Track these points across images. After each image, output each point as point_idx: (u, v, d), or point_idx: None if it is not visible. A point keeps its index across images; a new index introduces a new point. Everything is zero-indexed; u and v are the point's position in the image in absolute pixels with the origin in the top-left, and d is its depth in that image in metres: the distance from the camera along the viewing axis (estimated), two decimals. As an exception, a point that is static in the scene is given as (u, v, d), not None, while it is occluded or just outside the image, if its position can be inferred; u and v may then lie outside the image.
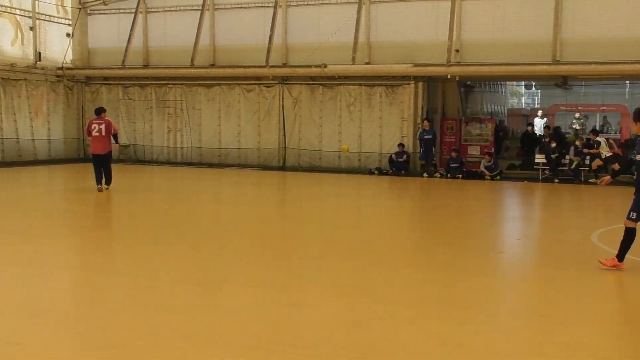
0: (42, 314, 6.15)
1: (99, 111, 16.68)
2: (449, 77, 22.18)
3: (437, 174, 21.87)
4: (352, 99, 23.67)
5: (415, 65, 22.28)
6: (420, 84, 22.89)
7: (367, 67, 23.10)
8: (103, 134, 15.99)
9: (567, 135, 24.73)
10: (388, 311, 6.36)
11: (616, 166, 15.43)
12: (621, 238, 8.10)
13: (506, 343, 5.62)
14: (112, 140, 16.35)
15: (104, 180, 15.95)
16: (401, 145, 22.65)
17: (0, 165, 22.72)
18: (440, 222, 13.06)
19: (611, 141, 21.59)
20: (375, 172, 22.56)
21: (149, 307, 6.35)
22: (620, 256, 8.09)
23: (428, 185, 20.08)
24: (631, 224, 8.02)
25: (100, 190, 15.78)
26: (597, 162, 20.44)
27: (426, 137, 21.91)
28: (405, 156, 22.46)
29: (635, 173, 8.36)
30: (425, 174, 21.76)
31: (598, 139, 20.99)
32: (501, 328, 6.07)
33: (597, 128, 24.30)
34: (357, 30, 23.16)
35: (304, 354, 5.13)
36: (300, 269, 8.26)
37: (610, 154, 20.50)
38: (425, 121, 22.24)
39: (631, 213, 8.00)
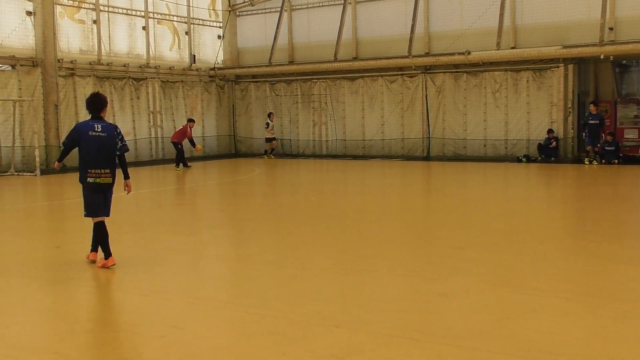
0: (202, 300, 6.57)
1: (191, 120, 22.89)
2: (602, 57, 20.96)
3: (588, 160, 20.52)
4: (498, 85, 23.03)
5: (565, 47, 21.26)
6: (570, 66, 21.86)
7: (513, 51, 22.34)
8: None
9: None
10: (541, 303, 6.17)
11: None
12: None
13: (671, 339, 5.28)
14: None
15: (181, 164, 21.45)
16: (551, 131, 21.74)
17: (161, 163, 24.38)
18: (594, 209, 12.41)
19: None
20: (523, 159, 21.82)
21: (300, 296, 6.59)
22: (105, 253, 7.87)
23: (581, 172, 19.11)
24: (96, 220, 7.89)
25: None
26: None
27: (591, 121, 20.42)
28: (554, 142, 21.51)
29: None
30: (594, 161, 20.25)
31: None
32: (666, 323, 5.70)
33: None
34: (501, 14, 22.47)
35: (455, 345, 5.09)
36: (447, 259, 8.20)
37: None
38: (592, 105, 20.87)
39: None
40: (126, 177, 8.17)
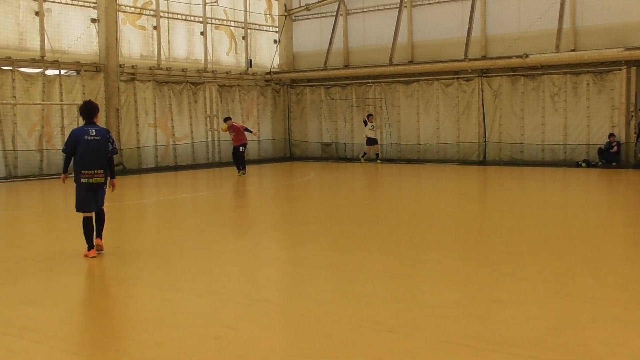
0: (258, 302, 6.66)
1: (227, 119, 21.67)
2: (667, 59, 20.34)
3: None
4: (557, 89, 22.58)
5: (628, 49, 20.70)
6: (633, 69, 21.27)
7: (572, 54, 21.89)
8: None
9: None
10: (600, 312, 6.03)
11: None
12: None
13: None
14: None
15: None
16: (612, 135, 21.18)
17: (218, 166, 24.76)
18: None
19: None
20: (583, 164, 21.32)
21: (354, 300, 6.60)
22: (88, 245, 8.75)
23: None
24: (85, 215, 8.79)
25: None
26: None
27: None
28: (616, 147, 20.95)
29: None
30: None
31: None
32: None
33: None
34: (560, 16, 22.04)
35: (512, 353, 5.02)
36: (502, 265, 8.09)
37: None
38: None
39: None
40: (112, 177, 9.06)
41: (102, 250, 8.86)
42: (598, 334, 5.43)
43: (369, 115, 25.24)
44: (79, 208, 8.84)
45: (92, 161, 8.66)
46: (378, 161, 25.07)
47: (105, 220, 9.06)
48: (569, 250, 8.96)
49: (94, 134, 8.71)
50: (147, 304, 6.72)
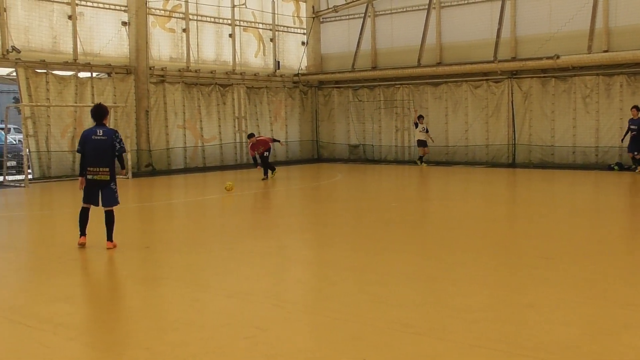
0: (286, 303, 6.66)
1: (251, 135, 20.79)
2: None
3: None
4: (589, 91, 22.25)
5: (663, 50, 20.35)
6: (668, 70, 20.88)
7: (605, 55, 21.56)
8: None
9: None
10: (634, 318, 5.91)
11: None
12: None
13: None
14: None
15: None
16: (646, 137, 20.83)
17: (246, 167, 24.80)
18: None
19: None
20: (615, 167, 21.00)
21: (382, 303, 6.58)
22: (80, 232, 9.38)
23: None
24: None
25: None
26: None
27: (632, 127, 20.10)
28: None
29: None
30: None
31: None
32: None
33: None
34: (593, 17, 21.73)
35: (544, 359, 4.96)
36: (534, 269, 7.98)
37: None
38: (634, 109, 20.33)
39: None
40: (123, 168, 9.92)
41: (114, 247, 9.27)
42: (632, 341, 5.33)
43: (420, 117, 24.59)
44: (83, 200, 9.45)
45: (98, 159, 9.23)
46: (423, 164, 24.47)
47: (115, 222, 9.43)
48: (602, 255, 8.82)
49: (100, 134, 9.31)
50: (177, 304, 6.77)
